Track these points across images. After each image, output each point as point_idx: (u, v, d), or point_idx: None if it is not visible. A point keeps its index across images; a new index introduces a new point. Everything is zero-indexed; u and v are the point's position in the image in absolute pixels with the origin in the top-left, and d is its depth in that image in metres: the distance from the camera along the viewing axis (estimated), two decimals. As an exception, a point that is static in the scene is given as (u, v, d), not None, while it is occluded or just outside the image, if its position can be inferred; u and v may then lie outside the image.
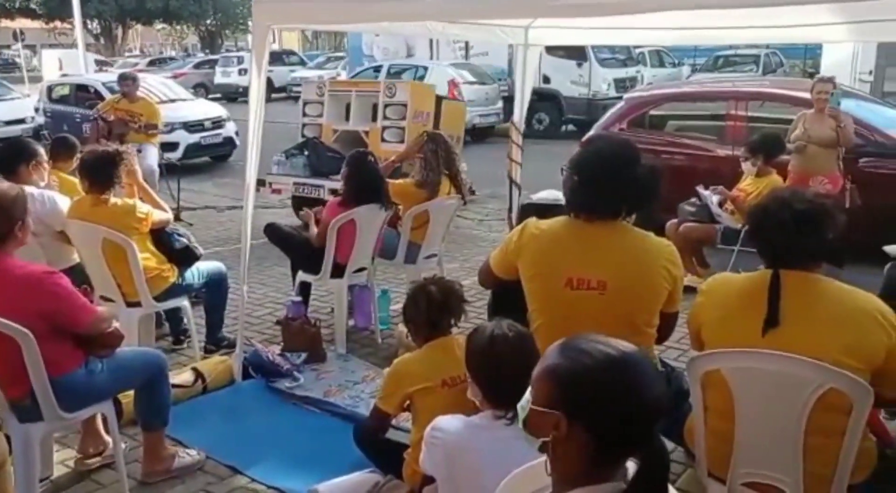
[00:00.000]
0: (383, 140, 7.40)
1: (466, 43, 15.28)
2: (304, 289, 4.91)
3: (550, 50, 14.59)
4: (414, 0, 3.49)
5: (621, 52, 16.41)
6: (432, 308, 2.80)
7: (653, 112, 7.79)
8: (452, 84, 12.99)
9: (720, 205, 5.67)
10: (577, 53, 15.02)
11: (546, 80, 15.20)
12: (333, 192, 6.24)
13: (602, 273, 2.46)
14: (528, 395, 1.39)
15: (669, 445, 3.16)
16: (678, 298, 2.60)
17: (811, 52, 18.07)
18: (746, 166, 5.58)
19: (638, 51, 18.06)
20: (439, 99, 8.05)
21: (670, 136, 7.59)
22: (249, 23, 3.78)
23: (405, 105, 7.45)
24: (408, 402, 2.78)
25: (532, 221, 2.65)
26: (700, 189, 5.80)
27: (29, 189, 4.04)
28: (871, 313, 2.14)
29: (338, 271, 4.65)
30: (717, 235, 5.66)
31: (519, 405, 1.41)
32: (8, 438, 2.77)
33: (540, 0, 3.23)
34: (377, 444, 2.98)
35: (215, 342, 4.58)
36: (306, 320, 4.62)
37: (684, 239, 5.66)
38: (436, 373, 2.66)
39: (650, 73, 17.56)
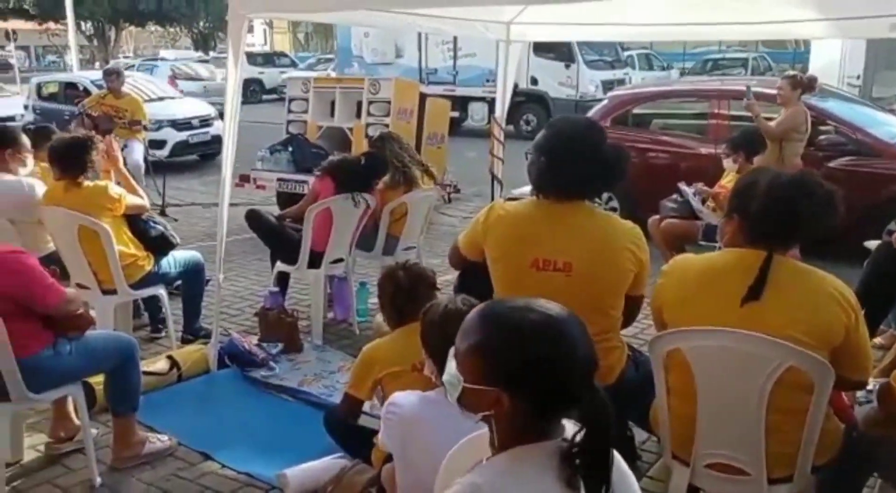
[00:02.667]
0: (367, 137, 7.37)
1: (455, 43, 15.28)
2: (282, 280, 4.89)
3: (539, 51, 14.66)
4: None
5: (609, 55, 16.46)
6: (399, 294, 2.80)
7: (636, 110, 7.80)
8: None
9: (702, 202, 5.69)
10: (565, 55, 15.07)
11: (534, 81, 15.24)
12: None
13: (568, 254, 2.46)
14: (454, 370, 1.35)
15: (643, 435, 3.22)
16: (644, 281, 2.60)
17: (800, 57, 18.16)
18: (728, 163, 5.60)
19: (626, 54, 18.13)
20: (423, 96, 8.06)
21: (653, 134, 7.61)
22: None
23: (389, 102, 7.45)
24: (379, 387, 2.77)
25: (499, 202, 2.65)
26: (681, 186, 5.82)
27: (7, 177, 4.04)
28: (830, 293, 2.14)
29: (315, 261, 4.64)
30: (698, 231, 5.67)
31: (446, 381, 1.38)
32: (-27, 419, 2.76)
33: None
34: (347, 429, 2.97)
35: (193, 332, 4.56)
36: (283, 311, 4.60)
37: (666, 235, 5.68)
38: (406, 357, 2.64)
39: (638, 75, 17.61)
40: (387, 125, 7.35)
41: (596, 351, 1.33)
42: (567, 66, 15.18)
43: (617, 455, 1.34)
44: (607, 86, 14.62)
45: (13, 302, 2.71)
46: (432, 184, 5.23)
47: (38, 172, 4.50)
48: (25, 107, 13.37)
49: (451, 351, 1.40)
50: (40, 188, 4.11)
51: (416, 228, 5.19)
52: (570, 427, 1.34)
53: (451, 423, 1.90)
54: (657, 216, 5.85)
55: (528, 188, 6.47)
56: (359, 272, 5.37)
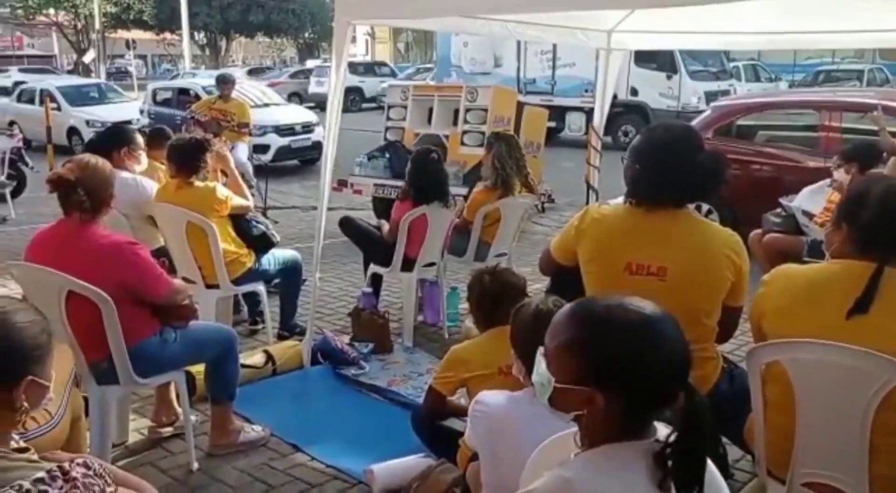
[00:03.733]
0: (463, 144, 7.48)
1: (554, 53, 15.22)
2: (376, 281, 4.99)
3: (640, 61, 14.42)
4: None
5: (714, 65, 16.03)
6: (486, 297, 2.83)
7: (741, 121, 7.56)
8: None
9: (810, 218, 5.46)
10: (667, 65, 14.78)
11: (634, 92, 15.00)
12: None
13: (662, 259, 2.41)
14: (543, 369, 1.35)
15: (736, 453, 3.11)
16: (742, 291, 2.51)
17: (920, 69, 17.20)
18: (839, 174, 5.34)
19: (732, 64, 17.59)
20: (521, 105, 8.06)
21: (758, 146, 7.36)
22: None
23: (486, 110, 7.50)
24: (465, 389, 2.80)
25: (594, 206, 2.63)
26: (783, 201, 5.61)
27: (122, 173, 4.28)
28: None
29: (408, 266, 4.72)
30: (803, 247, 5.44)
31: (536, 382, 1.38)
32: (86, 399, 2.94)
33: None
34: (434, 429, 3.00)
35: (288, 329, 4.71)
36: (376, 312, 4.70)
37: (768, 250, 5.47)
38: (493, 360, 2.66)
39: (744, 87, 17.04)
40: (483, 133, 7.39)
41: (690, 350, 1.31)
42: (669, 77, 14.88)
43: (709, 461, 1.31)
44: (711, 97, 14.24)
45: (125, 290, 2.87)
46: (527, 192, 5.21)
47: (161, 171, 4.75)
48: (141, 111, 14.22)
49: (540, 351, 1.39)
50: (151, 186, 4.34)
51: (508, 234, 5.19)
52: (662, 429, 1.32)
53: (538, 423, 1.91)
54: (759, 230, 5.65)
55: (622, 198, 6.36)
56: (450, 277, 5.42)
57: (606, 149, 6.72)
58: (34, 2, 36.63)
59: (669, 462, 1.25)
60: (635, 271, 2.43)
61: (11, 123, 13.48)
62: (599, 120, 6.20)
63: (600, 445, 1.32)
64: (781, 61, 23.48)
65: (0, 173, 8.69)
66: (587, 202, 6.36)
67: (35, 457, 1.47)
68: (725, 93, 14.88)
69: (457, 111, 7.75)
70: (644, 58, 14.32)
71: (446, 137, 7.72)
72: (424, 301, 5.14)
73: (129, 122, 13.90)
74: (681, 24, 4.73)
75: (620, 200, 6.15)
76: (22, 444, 1.51)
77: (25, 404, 1.45)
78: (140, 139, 4.56)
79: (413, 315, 4.84)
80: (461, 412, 2.92)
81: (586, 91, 14.65)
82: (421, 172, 4.76)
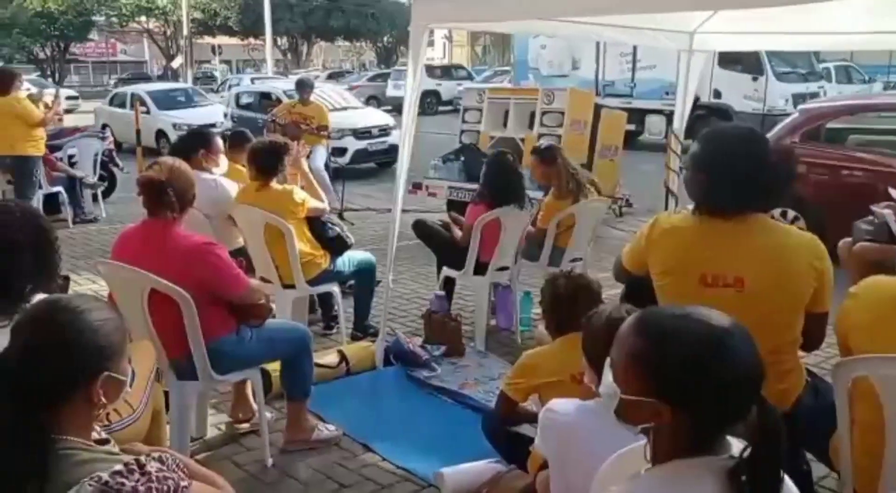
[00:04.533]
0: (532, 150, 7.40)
1: (634, 55, 14.98)
2: (449, 285, 5.01)
3: (724, 63, 14.05)
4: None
5: (802, 66, 15.46)
6: (559, 302, 2.79)
7: (831, 125, 7.26)
8: None
9: (905, 226, 5.20)
10: (752, 67, 14.35)
11: (717, 94, 14.63)
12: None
13: (739, 269, 2.33)
14: (610, 380, 1.33)
15: (821, 470, 2.98)
16: (827, 296, 2.39)
17: None
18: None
19: (822, 65, 16.92)
20: (598, 107, 7.95)
21: (849, 150, 7.04)
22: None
23: (563, 113, 7.43)
24: (537, 395, 2.77)
25: (663, 215, 2.56)
26: (875, 208, 5.35)
27: (203, 175, 4.42)
28: None
29: (481, 269, 4.72)
30: (896, 257, 5.19)
31: (603, 393, 1.36)
32: (166, 393, 3.04)
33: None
34: (504, 435, 2.98)
35: (362, 330, 4.77)
36: (448, 315, 4.72)
37: (858, 259, 5.21)
38: (565, 367, 2.62)
39: (835, 89, 16.39)
40: (559, 136, 7.33)
41: (763, 363, 1.26)
42: (755, 79, 14.44)
43: (787, 478, 1.26)
44: (799, 99, 13.76)
45: (205, 289, 2.96)
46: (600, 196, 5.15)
47: (241, 173, 4.86)
48: (225, 115, 14.66)
49: (608, 361, 1.37)
50: (231, 188, 4.46)
51: (583, 239, 5.13)
52: (735, 445, 1.28)
53: (609, 433, 1.87)
54: (849, 239, 5.41)
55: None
56: (523, 282, 5.38)
57: (687, 152, 6.56)
58: (128, 10, 38.34)
59: (743, 479, 1.21)
60: (710, 283, 2.35)
61: (104, 126, 14.10)
62: (680, 123, 6.06)
63: (669, 460, 1.29)
64: (876, 62, 22.43)
65: (92, 174, 9.07)
66: (666, 207, 6.22)
67: (115, 449, 1.53)
68: (815, 95, 14.35)
69: (533, 114, 7.72)
70: (728, 59, 13.94)
71: (522, 140, 7.69)
72: (497, 305, 5.13)
73: (213, 125, 14.43)
74: (767, 24, 4.57)
75: (694, 207, 5.92)
76: (104, 435, 1.57)
77: (102, 398, 1.51)
78: (219, 142, 4.69)
79: (485, 319, 4.84)
80: (532, 419, 2.90)
81: (667, 93, 14.36)
82: (495, 175, 4.76)
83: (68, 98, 24.73)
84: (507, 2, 3.59)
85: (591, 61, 15.78)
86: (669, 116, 13.38)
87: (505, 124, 7.96)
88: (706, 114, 14.24)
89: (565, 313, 2.80)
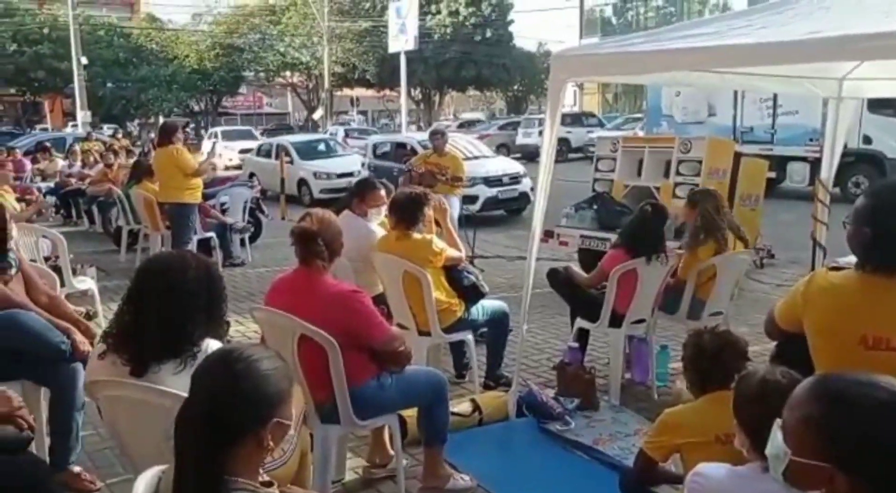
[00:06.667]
0: (675, 196, 7.25)
1: (775, 101, 14.45)
2: (582, 336, 4.95)
3: (875, 108, 13.31)
4: (719, 47, 3.43)
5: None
6: (703, 358, 2.71)
7: None
8: None
9: None
10: (909, 111, 13.48)
11: (867, 140, 13.83)
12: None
13: (905, 332, 2.19)
14: (780, 442, 1.29)
15: None
16: None
17: None
18: None
19: None
20: (738, 155, 7.71)
21: None
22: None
23: (700, 161, 7.26)
24: (678, 455, 2.69)
25: (821, 272, 2.45)
26: None
27: (358, 220, 4.63)
28: None
29: (616, 321, 4.64)
30: None
31: (770, 454, 1.32)
32: (311, 435, 3.16)
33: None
34: (643, 494, 2.90)
35: (494, 379, 4.79)
36: (582, 367, 4.65)
37: None
38: (709, 427, 2.54)
39: None
40: (697, 185, 7.15)
41: None
42: (908, 123, 13.56)
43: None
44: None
45: (350, 335, 3.08)
46: (743, 249, 4.97)
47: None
48: (363, 164, 15.23)
49: (777, 422, 1.34)
50: (377, 233, 4.64)
51: (724, 292, 4.96)
52: None
53: (763, 502, 1.80)
54: None
55: (853, 257, 5.93)
56: (660, 335, 5.25)
57: (835, 201, 6.24)
58: (274, 66, 40.91)
59: None
60: (872, 346, 2.23)
61: (251, 175, 14.99)
62: (828, 173, 5.78)
63: None
64: None
65: (242, 221, 9.66)
66: (813, 260, 5.92)
67: (277, 491, 1.62)
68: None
69: (668, 163, 7.58)
70: (879, 103, 13.17)
71: (657, 188, 7.55)
72: (632, 359, 5.02)
73: (351, 173, 15.07)
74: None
75: (852, 259, 5.71)
76: (266, 478, 1.67)
77: (271, 442, 1.60)
78: (382, 191, 4.88)
79: (620, 373, 4.75)
80: (673, 480, 2.81)
81: (811, 140, 13.75)
82: (641, 224, 4.72)
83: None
84: (648, 58, 3.59)
85: (728, 107, 15.34)
86: (814, 163, 12.82)
87: (639, 173, 7.86)
88: (854, 161, 13.49)
89: (710, 370, 2.72)
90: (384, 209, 4.74)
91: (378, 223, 4.78)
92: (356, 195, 4.82)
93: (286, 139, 18.62)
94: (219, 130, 28.44)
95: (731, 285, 5.04)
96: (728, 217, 4.97)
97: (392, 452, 3.61)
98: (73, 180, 12.99)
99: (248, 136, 26.99)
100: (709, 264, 4.80)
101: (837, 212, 6.06)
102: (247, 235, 9.66)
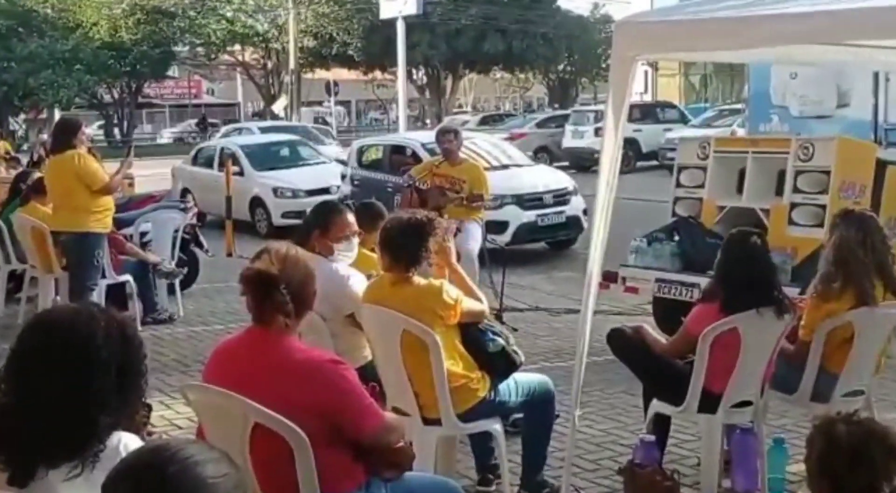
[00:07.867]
0: (792, 223, 7.24)
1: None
2: (661, 425, 4.92)
3: None
4: (853, 10, 3.44)
5: None
6: (838, 457, 2.68)
7: None
8: None
9: None
10: None
11: None
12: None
13: None
14: None
15: None
16: None
17: None
18: None
19: None
20: (881, 164, 7.71)
21: None
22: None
23: (828, 172, 7.26)
24: None
25: None
26: None
27: (323, 262, 4.64)
28: None
29: (709, 404, 4.62)
30: None
31: None
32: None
33: None
34: None
35: (533, 488, 4.74)
36: (659, 470, 4.59)
37: None
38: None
39: None
40: (822, 206, 7.15)
41: None
42: None
43: None
44: None
45: (325, 423, 3.08)
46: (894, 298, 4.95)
47: (373, 260, 5.06)
48: (343, 176, 15.14)
49: None
50: (357, 282, 4.65)
51: (865, 362, 4.95)
52: None
53: None
54: None
55: None
56: (773, 424, 5.23)
57: None
58: (218, 37, 41.17)
59: None
60: None
61: (185, 193, 15.00)
62: None
63: None
64: None
65: (170, 258, 9.54)
66: None
67: None
68: None
69: (782, 174, 7.58)
70: None
71: (766, 211, 7.55)
72: (733, 458, 4.98)
73: (326, 189, 15.09)
74: None
75: None
76: None
77: None
78: (349, 216, 4.90)
79: (716, 478, 4.73)
80: None
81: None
82: (736, 265, 4.72)
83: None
84: (751, 25, 3.61)
85: (865, 95, 15.38)
86: None
87: (740, 190, 7.85)
88: None
89: (846, 473, 2.69)
90: (356, 241, 4.76)
91: (350, 263, 4.78)
92: (315, 227, 4.76)
93: (234, 141, 18.78)
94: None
95: (876, 352, 5.03)
96: (881, 255, 4.93)
97: None
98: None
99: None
100: (844, 322, 4.78)
101: None
102: (177, 280, 9.64)
